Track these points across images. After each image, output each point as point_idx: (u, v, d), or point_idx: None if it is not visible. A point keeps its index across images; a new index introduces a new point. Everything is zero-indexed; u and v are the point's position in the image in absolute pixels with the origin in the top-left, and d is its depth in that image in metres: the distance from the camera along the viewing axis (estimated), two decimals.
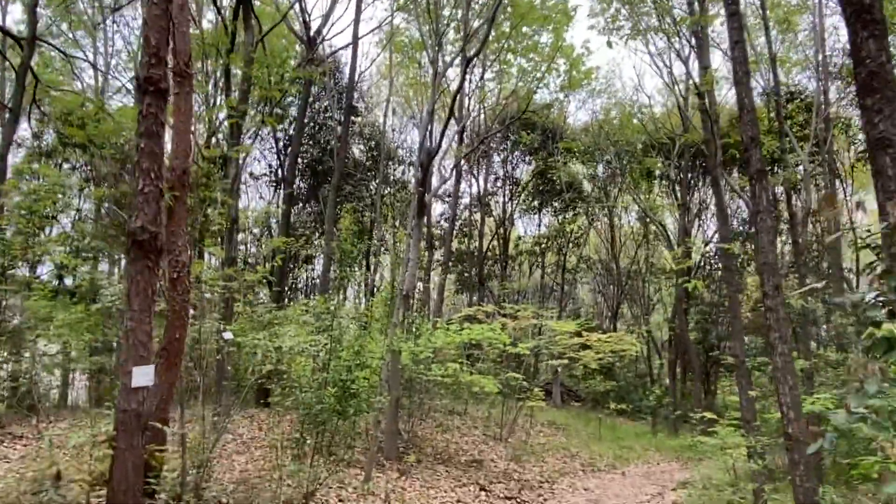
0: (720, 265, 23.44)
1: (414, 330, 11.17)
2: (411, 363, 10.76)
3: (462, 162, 21.14)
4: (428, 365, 10.98)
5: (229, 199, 10.75)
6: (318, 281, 18.07)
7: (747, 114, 6.15)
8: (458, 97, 10.19)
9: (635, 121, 22.33)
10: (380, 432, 11.10)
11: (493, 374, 13.93)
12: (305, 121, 20.94)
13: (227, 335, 11.10)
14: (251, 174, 21.70)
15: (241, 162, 11.38)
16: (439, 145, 10.58)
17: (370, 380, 9.78)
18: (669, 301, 28.32)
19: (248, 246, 20.53)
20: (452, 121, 19.68)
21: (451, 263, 30.27)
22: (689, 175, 19.60)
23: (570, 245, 28.46)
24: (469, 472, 11.13)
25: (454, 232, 31.12)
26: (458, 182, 16.98)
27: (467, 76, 14.52)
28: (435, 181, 14.90)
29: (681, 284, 18.70)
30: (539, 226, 30.19)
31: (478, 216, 27.89)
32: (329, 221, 12.67)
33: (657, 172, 25.55)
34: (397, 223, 23.55)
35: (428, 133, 10.70)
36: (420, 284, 19.54)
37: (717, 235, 22.43)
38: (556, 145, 24.81)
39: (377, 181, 19.58)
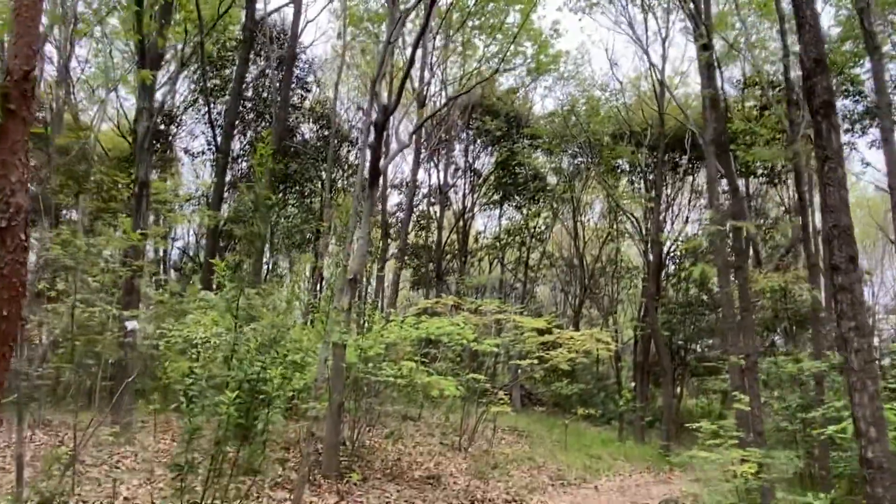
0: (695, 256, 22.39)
1: (363, 322, 9.38)
2: (358, 361, 8.95)
3: (423, 144, 19.39)
4: (378, 363, 9.19)
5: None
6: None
7: (808, 31, 4.65)
8: (420, 39, 8.43)
9: (606, 108, 21.02)
10: (320, 444, 9.26)
11: (453, 376, 12.25)
12: (249, 95, 18.89)
13: (131, 324, 9.06)
14: (186, 150, 19.47)
15: (153, 114, 9.35)
16: (397, 101, 8.81)
17: (302, 381, 7.96)
18: (634, 301, 27.23)
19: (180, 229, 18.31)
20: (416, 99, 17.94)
21: (407, 257, 28.56)
22: (664, 165, 18.34)
23: (533, 241, 27.03)
24: (425, 492, 9.38)
25: (411, 224, 29.42)
26: (416, 164, 15.22)
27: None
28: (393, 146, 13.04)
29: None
30: (500, 219, 28.70)
31: (436, 208, 26.18)
32: (262, 191, 10.77)
33: (626, 166, 24.38)
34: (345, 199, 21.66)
35: (384, 86, 9.01)
36: (373, 274, 17.79)
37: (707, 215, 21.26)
38: (520, 133, 23.31)
39: (327, 164, 17.67)
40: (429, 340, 15.40)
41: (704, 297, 24.32)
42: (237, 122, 18.05)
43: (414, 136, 16.38)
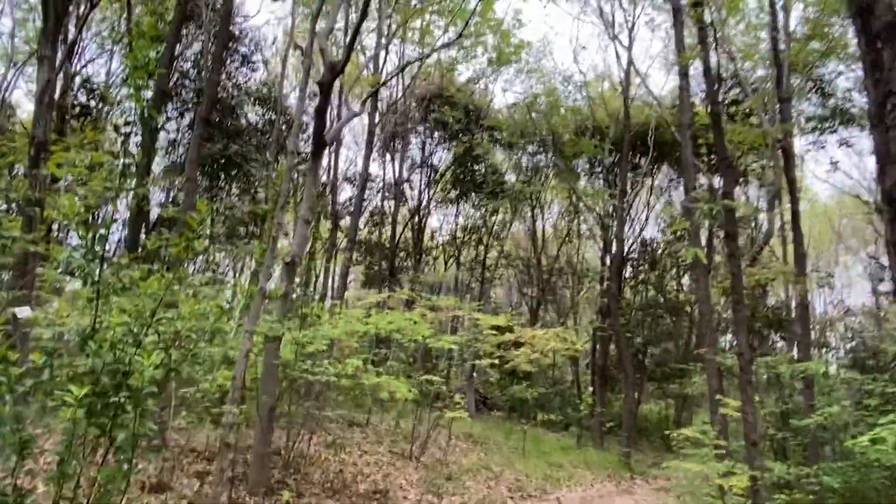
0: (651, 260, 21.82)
1: (302, 314, 8.14)
2: (296, 358, 7.69)
3: (376, 128, 18.13)
4: (319, 362, 7.95)
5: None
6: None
7: None
8: None
9: (569, 102, 20.25)
10: (250, 455, 7.97)
11: (405, 377, 11.10)
12: (186, 67, 17.33)
13: (22, 311, 7.53)
14: (116, 128, 17.74)
15: (54, 65, 7.89)
16: (346, 58, 7.61)
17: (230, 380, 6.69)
18: (591, 303, 26.58)
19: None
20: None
21: (359, 254, 27.21)
22: (628, 159, 17.62)
23: (491, 239, 26.09)
24: None
25: (364, 220, 28.08)
26: (369, 147, 13.94)
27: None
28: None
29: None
30: (457, 217, 27.68)
31: (390, 203, 24.95)
32: (190, 165, 9.32)
33: (586, 166, 23.73)
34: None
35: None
36: (320, 267, 16.40)
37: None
38: (480, 126, 22.35)
39: (272, 148, 16.24)
40: (379, 338, 14.21)
41: (662, 300, 23.85)
42: (174, 100, 16.49)
43: (366, 110, 15.07)
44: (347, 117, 9.37)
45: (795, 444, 8.17)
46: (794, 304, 11.69)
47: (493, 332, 11.81)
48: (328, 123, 9.12)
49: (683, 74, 10.25)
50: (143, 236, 12.17)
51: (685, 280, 26.09)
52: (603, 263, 25.14)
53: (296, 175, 14.41)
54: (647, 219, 25.82)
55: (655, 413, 24.78)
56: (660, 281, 24.30)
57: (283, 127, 18.97)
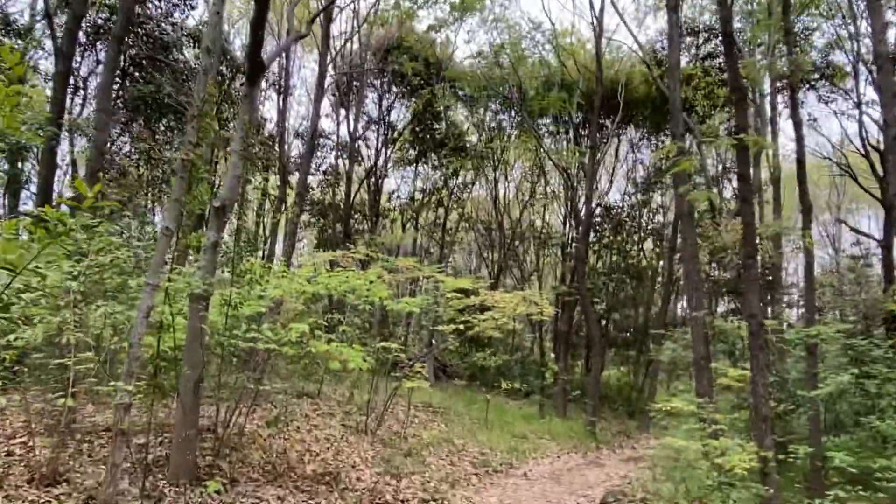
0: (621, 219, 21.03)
1: (236, 269, 6.85)
2: (225, 322, 6.44)
3: (328, 67, 16.52)
4: (256, 326, 6.71)
5: None
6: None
7: None
8: None
9: (536, 56, 19.02)
10: (180, 434, 6.73)
11: (360, 344, 9.96)
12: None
13: None
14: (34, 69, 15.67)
15: None
16: None
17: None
18: (554, 268, 25.84)
19: None
20: None
21: (312, 215, 25.70)
22: (600, 114, 16.58)
23: (451, 202, 24.92)
24: (318, 496, 7.08)
25: (315, 179, 26.48)
26: (320, 87, 12.35)
27: None
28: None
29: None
30: (416, 178, 26.34)
31: (345, 161, 23.42)
32: (102, 93, 7.78)
33: (551, 126, 22.63)
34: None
35: None
36: (264, 223, 15.04)
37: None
38: (441, 79, 20.95)
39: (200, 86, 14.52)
40: (332, 302, 12.98)
41: (625, 265, 23.24)
42: (89, 32, 14.58)
43: (315, 36, 13.39)
44: (291, 38, 7.99)
45: (796, 417, 7.43)
46: (785, 265, 11.00)
47: (457, 295, 10.73)
48: (271, 51, 7.70)
49: (672, 8, 9.19)
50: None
51: (647, 245, 25.58)
52: (566, 225, 24.37)
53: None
54: (611, 182, 25.08)
55: (616, 380, 24.35)
56: (623, 246, 23.66)
57: (225, 71, 17.24)
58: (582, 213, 16.16)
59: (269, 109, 20.88)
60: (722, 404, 8.78)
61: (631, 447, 16.05)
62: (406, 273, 10.96)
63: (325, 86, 16.31)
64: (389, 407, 13.03)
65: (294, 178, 21.55)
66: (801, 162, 7.69)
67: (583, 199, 16.51)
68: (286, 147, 18.63)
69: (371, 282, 8.27)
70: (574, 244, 17.30)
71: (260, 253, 16.30)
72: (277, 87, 19.43)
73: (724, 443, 5.84)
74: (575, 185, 17.14)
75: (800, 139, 7.68)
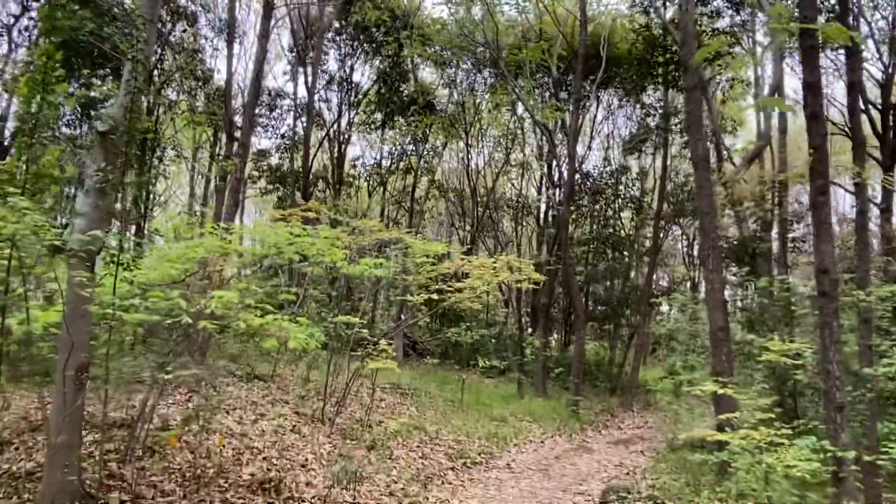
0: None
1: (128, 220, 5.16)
2: (114, 289, 4.77)
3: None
4: (170, 296, 5.06)
5: None
6: None
7: None
8: None
9: (512, 4, 17.32)
10: (56, 438, 5.10)
11: (313, 319, 8.40)
12: None
13: None
14: None
15: None
16: None
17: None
18: (530, 239, 24.47)
19: None
20: None
21: (269, 182, 23.79)
22: (581, 70, 15.00)
23: (421, 168, 23.23)
24: None
25: (271, 142, 24.52)
26: (267, 7, 10.37)
27: None
28: None
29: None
30: (382, 143, 24.54)
31: (303, 120, 21.48)
32: None
33: (527, 85, 21.03)
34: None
35: None
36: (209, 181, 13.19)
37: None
38: (408, 30, 19.11)
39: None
40: (292, 275, 11.37)
41: (605, 234, 21.97)
42: None
43: None
44: None
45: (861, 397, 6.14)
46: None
47: (429, 261, 9.18)
48: None
49: None
50: None
51: (625, 215, 24.36)
52: (540, 192, 22.94)
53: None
54: (588, 148, 23.67)
55: (594, 355, 23.19)
56: (602, 214, 22.35)
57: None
58: (564, 174, 14.67)
59: (215, 58, 18.75)
60: (742, 383, 7.44)
61: (616, 427, 14.86)
62: (370, 235, 9.35)
63: (274, 21, 14.38)
64: (351, 390, 11.51)
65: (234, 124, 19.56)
66: (853, 84, 6.30)
67: (564, 160, 15.01)
68: (233, 102, 16.65)
69: (325, 237, 6.65)
70: (556, 208, 15.83)
71: (198, 211, 14.53)
72: (225, 34, 17.38)
73: (791, 450, 4.44)
74: (556, 143, 15.61)
75: (855, 59, 6.28)
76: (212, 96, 16.77)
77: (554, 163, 18.31)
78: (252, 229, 6.50)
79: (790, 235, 10.05)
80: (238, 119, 17.74)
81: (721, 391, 5.33)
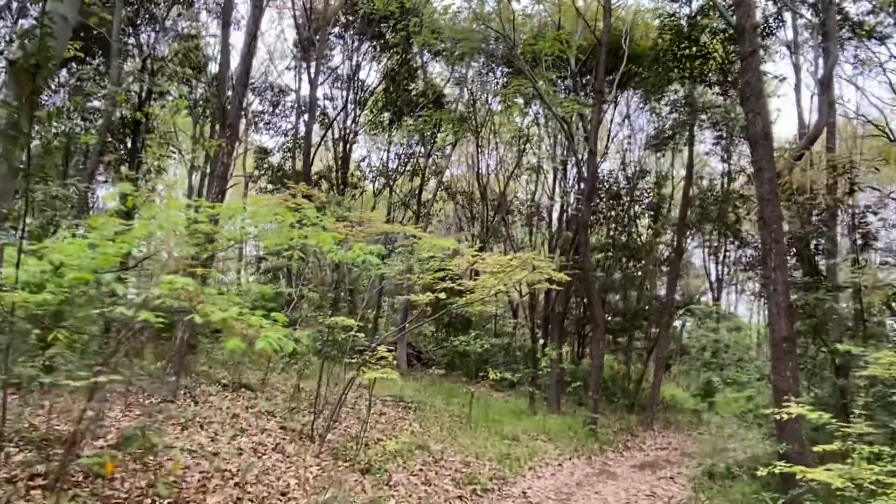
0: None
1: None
2: (16, 273, 3.63)
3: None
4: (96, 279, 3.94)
5: None
6: None
7: None
8: None
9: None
10: None
11: (307, 321, 7.26)
12: None
13: None
14: None
15: None
16: None
17: None
18: (542, 244, 23.25)
19: None
20: None
21: (271, 181, 22.78)
22: (606, 56, 13.85)
23: (429, 170, 22.16)
24: None
25: (273, 141, 23.54)
26: None
27: None
28: None
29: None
30: (389, 144, 23.48)
31: (305, 119, 20.46)
32: None
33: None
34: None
35: None
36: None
37: None
38: (418, 20, 18.07)
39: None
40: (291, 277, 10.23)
41: (624, 241, 20.76)
42: None
43: None
44: None
45: None
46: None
47: (437, 257, 8.03)
48: None
49: None
50: None
51: (642, 222, 23.16)
52: (553, 196, 21.75)
53: None
54: (605, 151, 22.51)
55: (608, 369, 21.89)
56: (619, 220, 21.16)
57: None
58: (584, 172, 13.49)
59: (212, 47, 17.77)
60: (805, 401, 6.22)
61: (638, 448, 13.59)
62: (370, 227, 8.21)
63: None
64: (348, 402, 10.33)
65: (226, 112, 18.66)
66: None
67: (584, 157, 13.86)
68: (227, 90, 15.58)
69: (317, 222, 5.51)
70: (577, 208, 14.60)
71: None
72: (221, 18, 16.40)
73: None
74: (575, 139, 14.46)
75: None
76: (208, 84, 15.77)
77: (571, 162, 17.20)
78: (231, 207, 5.36)
79: (860, 231, 8.87)
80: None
81: (814, 416, 4.14)
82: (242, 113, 22.41)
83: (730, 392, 9.49)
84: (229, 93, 9.76)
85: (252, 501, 5.63)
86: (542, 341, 16.86)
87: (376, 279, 10.73)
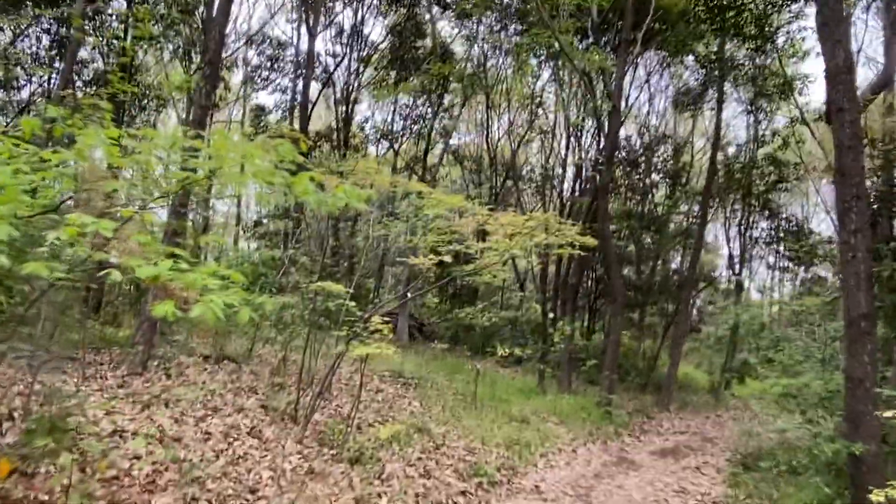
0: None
1: None
2: None
3: None
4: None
5: None
6: None
7: None
8: None
9: None
10: None
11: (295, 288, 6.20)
12: None
13: None
14: None
15: None
16: None
17: None
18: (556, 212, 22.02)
19: None
20: None
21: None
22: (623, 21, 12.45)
23: (437, 132, 20.91)
24: None
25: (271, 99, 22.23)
26: None
27: None
28: None
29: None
30: (395, 106, 22.20)
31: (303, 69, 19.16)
32: None
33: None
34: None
35: None
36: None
37: None
38: None
39: None
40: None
41: (643, 210, 19.56)
42: None
43: None
44: None
45: None
46: None
47: (445, 215, 6.92)
48: None
49: None
50: None
51: (660, 192, 21.90)
52: (565, 164, 20.49)
53: None
54: (624, 115, 21.15)
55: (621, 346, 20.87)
56: (638, 188, 19.93)
57: None
58: (606, 128, 12.24)
59: None
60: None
61: (656, 432, 12.61)
62: (366, 176, 7.09)
63: None
64: (340, 378, 9.35)
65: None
66: None
67: (605, 114, 12.61)
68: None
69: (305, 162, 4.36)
70: (597, 168, 13.36)
71: None
72: None
73: None
74: (597, 94, 13.15)
75: None
76: (193, 26, 14.51)
77: (587, 126, 15.95)
78: (172, 136, 4.20)
79: None
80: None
81: None
82: (235, 62, 21.23)
83: (772, 374, 8.41)
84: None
85: (211, 502, 4.63)
86: (551, 315, 15.82)
87: (377, 243, 9.67)
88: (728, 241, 19.76)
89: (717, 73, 14.89)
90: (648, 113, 20.16)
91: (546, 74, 21.28)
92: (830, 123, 5.70)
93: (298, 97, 19.85)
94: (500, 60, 21.13)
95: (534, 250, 7.08)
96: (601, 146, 13.03)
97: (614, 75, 12.51)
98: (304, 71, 19.41)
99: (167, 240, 7.68)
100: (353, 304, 6.39)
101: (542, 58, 19.58)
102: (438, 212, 6.85)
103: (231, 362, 9.62)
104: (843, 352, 5.71)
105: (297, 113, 20.43)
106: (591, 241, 6.79)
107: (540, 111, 21.60)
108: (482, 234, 7.98)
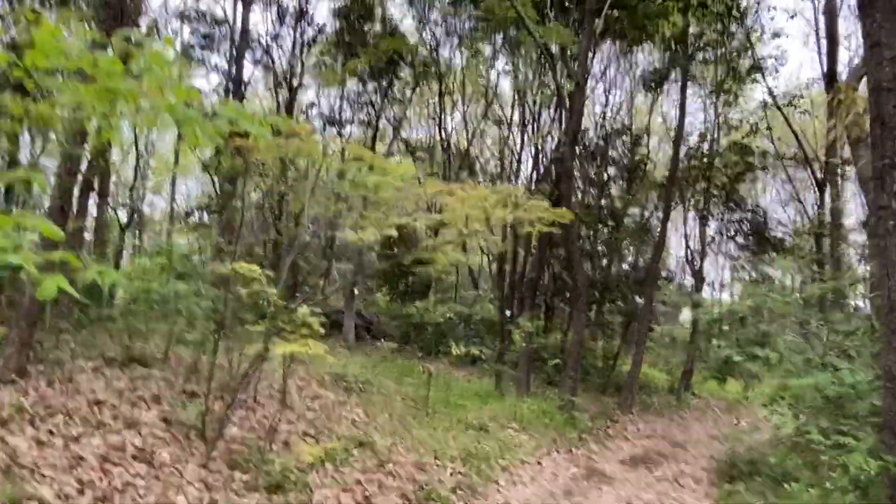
0: None
1: None
2: None
3: None
4: None
5: None
6: None
7: None
8: None
9: None
10: None
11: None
12: None
13: None
14: None
15: None
16: None
17: None
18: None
19: None
20: None
21: None
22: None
23: (384, 120, 19.66)
24: None
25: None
26: None
27: None
28: None
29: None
30: (343, 90, 20.80)
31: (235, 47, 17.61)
32: None
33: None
34: None
35: None
36: None
37: None
38: None
39: None
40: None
41: (603, 203, 18.75)
42: None
43: None
44: None
45: None
46: None
47: (390, 182, 5.71)
48: None
49: None
50: None
51: (616, 186, 21.20)
52: (521, 153, 19.53)
53: None
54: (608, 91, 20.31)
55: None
56: (597, 182, 19.11)
57: None
58: (568, 106, 11.23)
59: None
60: None
61: (621, 436, 11.65)
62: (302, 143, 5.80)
63: None
64: (263, 385, 7.96)
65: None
66: None
67: (567, 91, 11.62)
68: None
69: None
70: (559, 151, 12.31)
71: None
72: None
73: None
74: (557, 69, 12.10)
75: None
76: None
77: (551, 109, 15.00)
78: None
79: None
80: None
81: None
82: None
83: (767, 374, 7.52)
84: None
85: None
86: (508, 313, 14.75)
87: (319, 234, 8.40)
88: (686, 235, 19.20)
89: (681, 53, 14.13)
90: (606, 103, 19.37)
91: (500, 65, 20.41)
92: (829, 90, 4.79)
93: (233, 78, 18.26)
94: (453, 45, 20.10)
95: (497, 228, 5.93)
96: (563, 127, 12.00)
97: (579, 48, 11.52)
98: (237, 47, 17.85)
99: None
100: (273, 291, 5.08)
101: (498, 44, 18.66)
102: (380, 180, 5.62)
103: (141, 366, 8.15)
104: (867, 346, 4.80)
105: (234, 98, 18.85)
106: (567, 213, 5.70)
107: (496, 103, 20.67)
108: (438, 212, 6.80)
